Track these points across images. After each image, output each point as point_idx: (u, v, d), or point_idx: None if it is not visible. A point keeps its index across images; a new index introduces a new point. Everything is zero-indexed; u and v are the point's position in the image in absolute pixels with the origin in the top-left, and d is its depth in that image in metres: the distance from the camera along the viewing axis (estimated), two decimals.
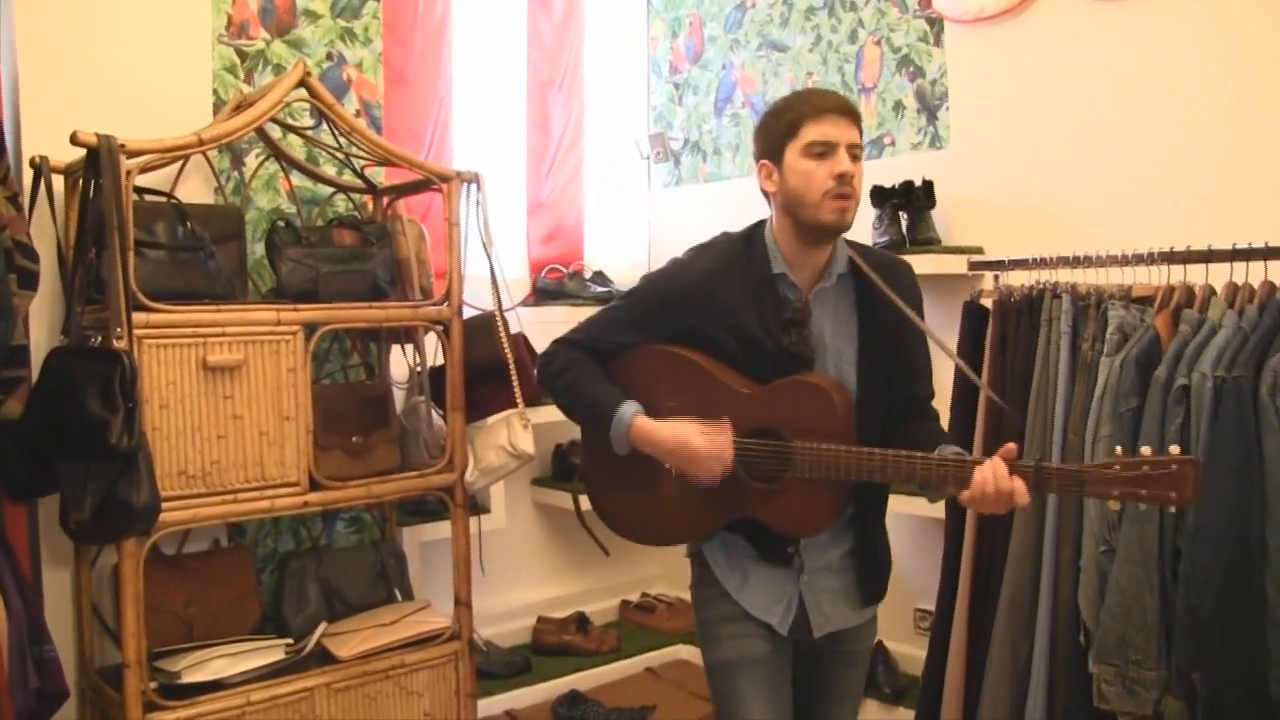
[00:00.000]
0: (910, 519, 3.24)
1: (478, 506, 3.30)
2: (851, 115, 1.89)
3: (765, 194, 1.98)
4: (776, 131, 1.92)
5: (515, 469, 3.00)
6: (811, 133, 1.87)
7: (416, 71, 3.51)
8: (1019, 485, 1.73)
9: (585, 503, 2.22)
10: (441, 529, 3.17)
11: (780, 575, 1.99)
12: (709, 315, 1.92)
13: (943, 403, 2.89)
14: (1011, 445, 1.77)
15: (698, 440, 1.90)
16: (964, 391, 2.84)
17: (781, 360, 1.91)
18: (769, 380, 1.92)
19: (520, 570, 3.82)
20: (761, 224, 2.01)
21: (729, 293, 1.92)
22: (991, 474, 1.73)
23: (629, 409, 1.95)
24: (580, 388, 2.00)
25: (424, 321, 2.95)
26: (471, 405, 2.99)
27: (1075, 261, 2.62)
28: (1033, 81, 3.14)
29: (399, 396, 3.17)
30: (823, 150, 1.86)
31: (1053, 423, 2.57)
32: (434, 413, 3.10)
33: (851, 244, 2.03)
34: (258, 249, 3.01)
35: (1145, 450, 1.70)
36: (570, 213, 4.11)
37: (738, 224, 2.07)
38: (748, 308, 1.92)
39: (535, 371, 2.08)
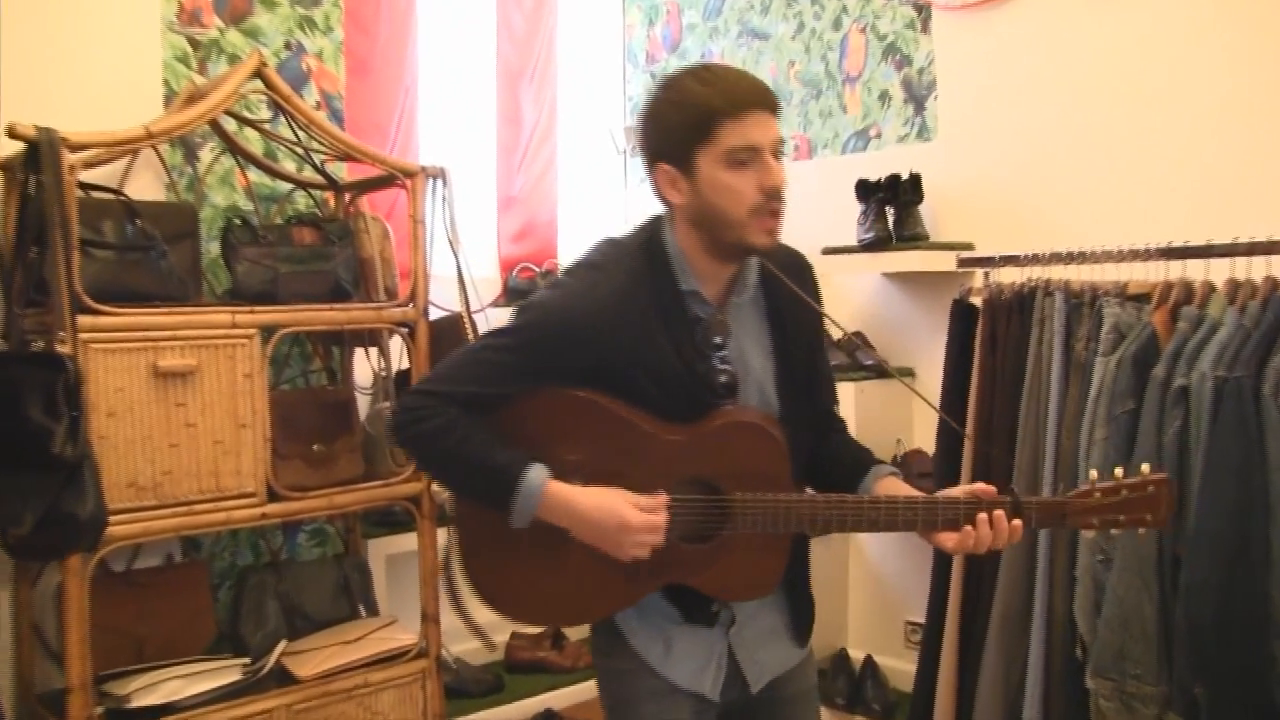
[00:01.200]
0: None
1: (446, 517, 3.20)
2: (774, 107, 1.63)
3: (666, 202, 1.72)
4: (681, 130, 1.63)
5: None
6: (732, 136, 1.59)
7: (380, 61, 3.48)
8: (1016, 525, 1.63)
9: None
10: (408, 541, 3.12)
11: (707, 634, 1.76)
12: (619, 348, 1.64)
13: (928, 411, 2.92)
14: (990, 487, 1.67)
15: (631, 513, 1.61)
16: (954, 398, 2.85)
17: (701, 392, 1.68)
18: (689, 418, 1.68)
19: None
20: (657, 228, 1.74)
21: (638, 318, 1.65)
22: (987, 521, 1.62)
23: (537, 475, 1.62)
24: (470, 452, 1.64)
25: (388, 324, 2.92)
26: None
27: (1069, 257, 2.63)
28: (1025, 70, 3.13)
29: (363, 402, 3.13)
30: (746, 158, 1.60)
31: (1045, 426, 2.58)
32: None
33: None
34: (212, 248, 2.98)
35: (1119, 472, 1.67)
36: (543, 209, 4.09)
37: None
38: (660, 333, 1.66)
39: (392, 430, 1.71)
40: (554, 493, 1.63)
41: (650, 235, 1.73)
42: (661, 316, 1.67)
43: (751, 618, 1.78)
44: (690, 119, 1.62)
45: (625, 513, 1.62)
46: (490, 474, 1.64)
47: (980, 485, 1.67)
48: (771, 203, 1.62)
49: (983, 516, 1.62)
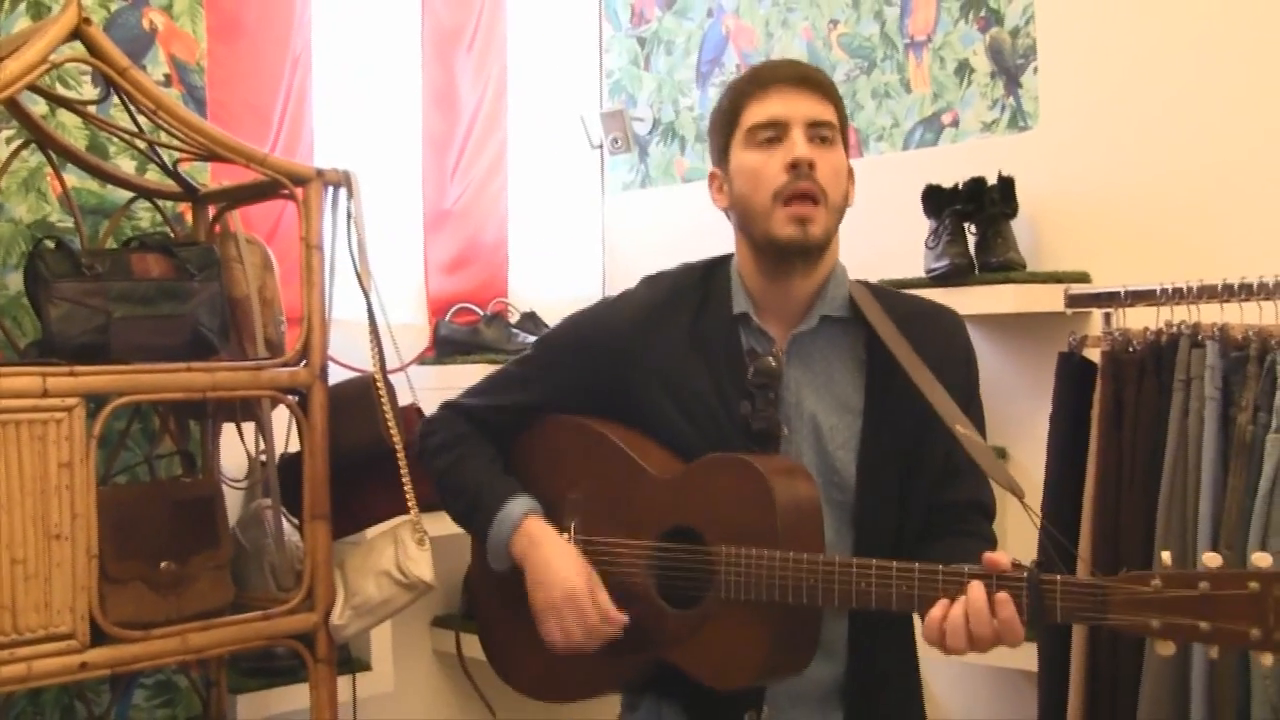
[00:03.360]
0: (986, 672, 3.25)
1: (352, 661, 3.26)
2: (812, 84, 1.97)
3: (727, 215, 2.09)
4: (718, 123, 2.04)
5: (407, 604, 2.97)
6: (755, 113, 1.95)
7: (258, 19, 3.50)
8: (1006, 614, 1.67)
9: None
10: (294, 696, 3.12)
11: None
12: (640, 369, 2.01)
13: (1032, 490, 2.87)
14: (1001, 557, 1.72)
15: (589, 603, 1.94)
16: (1063, 490, 2.87)
17: (735, 438, 1.94)
18: None
19: None
20: (733, 253, 2.11)
21: (669, 340, 2.01)
22: (965, 600, 1.69)
23: (520, 506, 2.02)
24: (464, 471, 2.09)
25: (270, 390, 2.90)
26: (342, 512, 2.97)
27: (1225, 292, 2.66)
28: (1164, 28, 3.13)
29: (233, 501, 3.15)
30: (772, 135, 1.94)
31: (1194, 530, 2.61)
32: (286, 524, 3.09)
33: (873, 287, 2.07)
34: (12, 282, 3.00)
35: (1210, 558, 1.60)
36: (489, 227, 4.14)
37: (730, 241, 2.12)
38: (695, 362, 2.00)
39: (417, 445, 2.23)
40: (529, 530, 2.00)
41: (720, 259, 2.10)
42: (703, 343, 2.01)
43: None
44: (723, 108, 2.02)
45: (576, 597, 1.93)
46: (476, 497, 2.05)
47: (999, 555, 1.73)
48: (797, 181, 1.89)
49: (977, 590, 1.68)
